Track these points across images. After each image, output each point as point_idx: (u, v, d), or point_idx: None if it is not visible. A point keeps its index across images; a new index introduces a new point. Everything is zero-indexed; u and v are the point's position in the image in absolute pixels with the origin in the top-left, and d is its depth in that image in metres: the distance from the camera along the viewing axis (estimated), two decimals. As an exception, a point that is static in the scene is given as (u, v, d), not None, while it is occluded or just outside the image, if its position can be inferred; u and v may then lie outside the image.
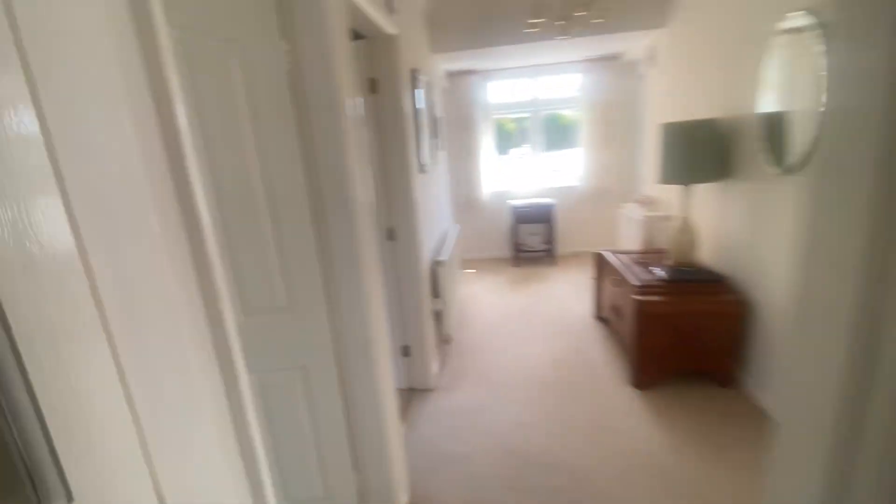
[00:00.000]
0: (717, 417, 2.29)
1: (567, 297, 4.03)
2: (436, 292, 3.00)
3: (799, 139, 1.91)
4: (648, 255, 3.12)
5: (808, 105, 1.85)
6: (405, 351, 2.65)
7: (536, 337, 3.29)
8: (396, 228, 2.49)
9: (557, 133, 5.47)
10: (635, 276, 2.71)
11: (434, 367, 2.78)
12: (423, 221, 2.75)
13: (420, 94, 2.93)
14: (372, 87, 2.28)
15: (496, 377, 2.79)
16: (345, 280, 1.51)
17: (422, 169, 2.79)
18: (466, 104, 4.89)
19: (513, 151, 5.58)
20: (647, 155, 4.00)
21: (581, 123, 4.91)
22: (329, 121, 1.36)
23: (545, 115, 5.21)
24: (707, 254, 2.83)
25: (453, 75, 4.84)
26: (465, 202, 5.21)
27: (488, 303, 4.03)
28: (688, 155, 2.52)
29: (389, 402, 1.76)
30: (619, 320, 2.89)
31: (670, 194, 3.44)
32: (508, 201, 5.11)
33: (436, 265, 2.95)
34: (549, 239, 4.96)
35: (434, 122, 3.53)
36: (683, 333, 2.46)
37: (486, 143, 5.08)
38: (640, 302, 2.44)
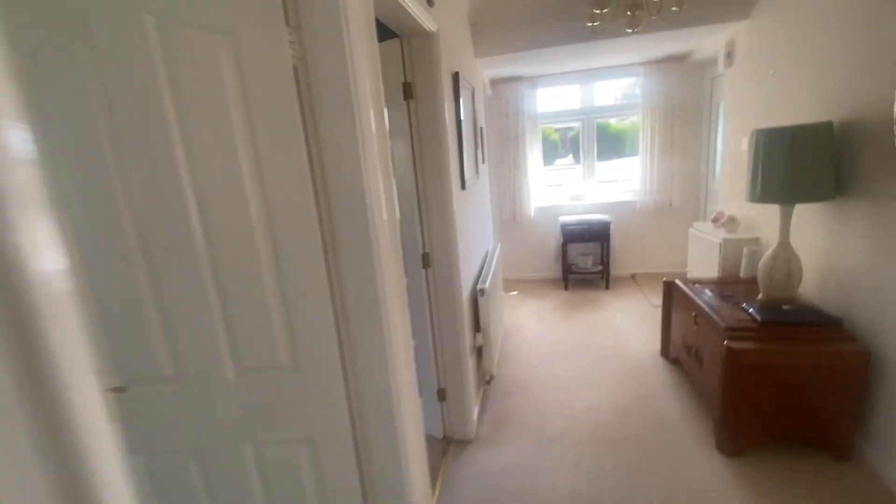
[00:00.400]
0: (830, 499, 1.77)
1: (627, 328, 3.54)
2: (477, 325, 2.64)
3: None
4: (732, 287, 2.61)
5: None
6: (441, 395, 2.31)
7: (593, 378, 2.84)
8: (432, 254, 2.17)
9: (608, 143, 5.00)
10: (721, 313, 2.23)
11: (474, 412, 2.41)
12: (463, 245, 2.41)
13: (463, 101, 2.62)
14: (407, 92, 1.98)
15: (546, 428, 2.38)
16: (363, 328, 1.19)
17: (463, 185, 2.46)
18: (512, 113, 4.54)
19: (562, 163, 5.15)
20: (724, 166, 3.47)
21: (640, 131, 4.42)
22: (344, 130, 1.06)
23: (598, 123, 4.76)
24: (812, 289, 2.30)
25: (497, 82, 4.51)
26: (511, 218, 4.84)
27: (535, 332, 3.61)
28: (791, 167, 2.04)
29: (419, 479, 1.42)
30: (699, 366, 2.41)
31: (756, 213, 2.91)
32: (558, 218, 4.68)
33: (477, 294, 2.59)
34: (603, 260, 4.48)
35: (477, 132, 3.21)
36: (786, 389, 1.96)
37: (534, 154, 4.70)
38: (733, 349, 1.97)
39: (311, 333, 1.13)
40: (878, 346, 1.85)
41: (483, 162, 3.64)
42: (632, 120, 4.76)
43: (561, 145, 5.35)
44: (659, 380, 2.74)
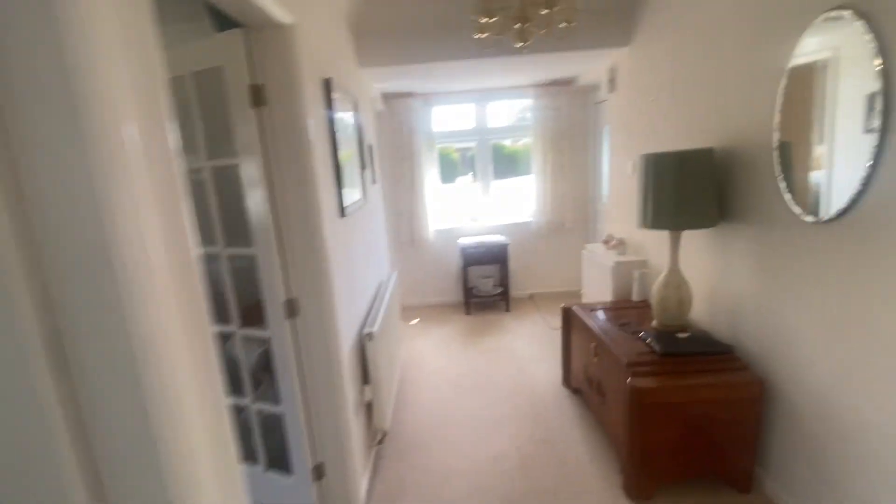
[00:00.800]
0: (744, 544, 1.69)
1: (528, 354, 3.40)
2: (366, 376, 2.25)
3: (843, 178, 1.42)
4: (627, 313, 2.57)
5: (856, 133, 1.36)
6: (318, 472, 1.86)
7: (497, 420, 2.59)
8: (301, 300, 1.74)
9: (506, 163, 4.99)
10: (620, 345, 2.12)
11: (362, 487, 2.00)
12: (345, 282, 2.02)
13: (341, 113, 2.25)
14: (257, 97, 1.56)
15: (447, 493, 2.05)
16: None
17: (343, 212, 2.08)
18: (406, 130, 4.27)
19: (459, 183, 5.01)
20: (612, 189, 3.54)
21: (532, 153, 4.44)
22: (63, 146, 0.63)
23: (493, 144, 4.71)
24: (703, 315, 2.31)
25: (390, 98, 4.22)
26: (409, 241, 4.53)
27: (436, 366, 3.30)
28: (679, 194, 2.01)
29: None
30: (602, 400, 2.28)
31: (643, 236, 2.95)
32: (458, 240, 4.48)
33: (365, 340, 2.20)
34: (503, 281, 4.37)
35: (365, 150, 2.85)
36: (690, 425, 1.88)
37: (431, 174, 4.47)
38: (637, 389, 1.84)
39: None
40: (769, 372, 1.84)
41: (374, 182, 3.29)
42: (525, 141, 4.79)
43: (461, 164, 5.23)
44: (563, 416, 2.58)
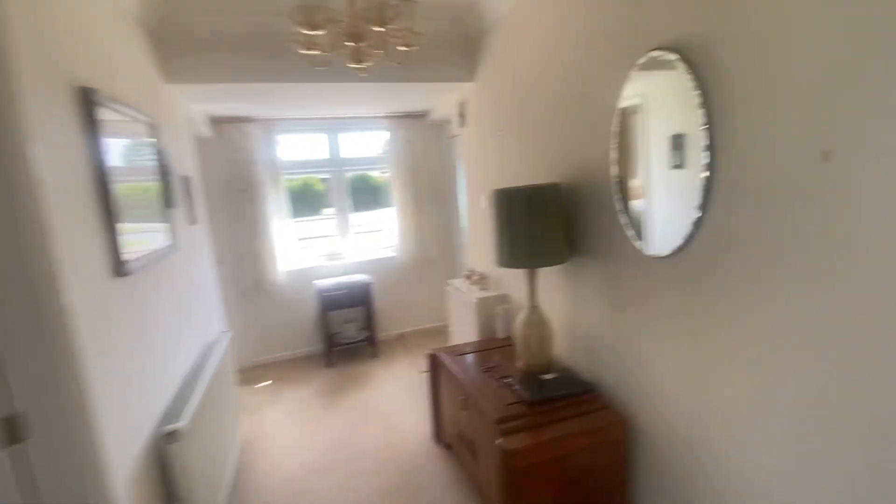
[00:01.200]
0: None
1: (397, 406, 3.06)
2: (171, 495, 1.65)
3: (676, 213, 1.42)
4: (494, 354, 2.42)
5: (663, 170, 1.38)
6: None
7: (361, 503, 2.18)
8: (30, 415, 1.14)
9: (371, 196, 4.70)
10: (488, 397, 1.92)
11: None
12: (120, 371, 1.44)
13: (123, 138, 1.70)
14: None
15: None
16: None
17: (121, 269, 1.51)
18: (243, 160, 3.69)
19: (325, 216, 4.54)
20: (470, 223, 3.48)
21: (392, 185, 4.23)
22: None
23: (354, 175, 4.39)
24: (566, 352, 2.25)
25: (221, 122, 3.62)
26: (254, 287, 3.87)
27: (287, 443, 2.74)
28: (531, 230, 1.92)
29: None
30: (475, 460, 2.04)
31: (505, 270, 2.89)
32: (314, 282, 3.98)
33: (163, 443, 1.61)
34: (369, 324, 3.99)
35: (172, 185, 2.27)
36: (564, 479, 1.73)
37: (277, 209, 3.93)
38: (508, 452, 1.63)
39: None
40: (630, 409, 1.80)
41: (193, 223, 2.67)
42: (381, 174, 4.56)
43: (318, 199, 4.77)
44: (437, 482, 2.28)
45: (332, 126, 4.14)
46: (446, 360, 2.38)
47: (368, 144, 4.50)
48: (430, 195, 4.33)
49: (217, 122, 3.62)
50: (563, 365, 2.22)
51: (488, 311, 2.77)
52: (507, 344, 2.55)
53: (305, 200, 4.57)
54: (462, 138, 3.44)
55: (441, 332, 4.37)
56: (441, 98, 3.47)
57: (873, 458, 0.98)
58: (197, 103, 3.01)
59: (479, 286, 2.97)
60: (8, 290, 1.09)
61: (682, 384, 1.51)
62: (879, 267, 0.92)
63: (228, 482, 2.20)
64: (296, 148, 4.24)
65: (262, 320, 3.99)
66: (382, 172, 4.64)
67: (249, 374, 3.81)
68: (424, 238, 4.34)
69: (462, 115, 3.26)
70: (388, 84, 2.83)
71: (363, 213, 4.65)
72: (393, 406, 3.08)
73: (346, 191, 4.28)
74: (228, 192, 3.73)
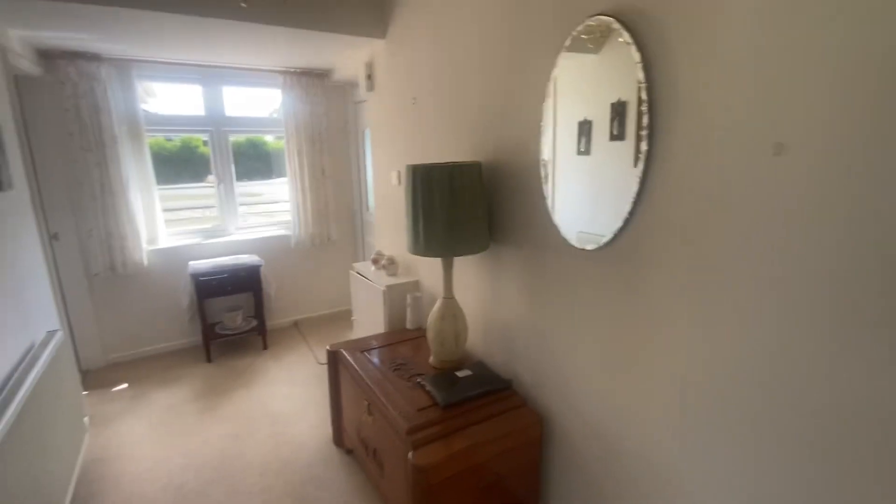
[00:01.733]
0: None
1: (291, 407, 2.70)
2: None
3: (609, 207, 1.30)
4: (403, 348, 2.19)
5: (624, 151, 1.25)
6: None
7: (242, 528, 1.84)
8: None
9: (259, 164, 4.09)
10: (397, 402, 1.70)
11: None
12: None
13: None
14: None
15: None
16: None
17: None
18: (88, 108, 2.90)
19: (192, 188, 3.84)
20: (378, 201, 3.16)
21: (286, 153, 3.71)
22: None
23: (241, 140, 3.75)
24: (479, 345, 2.11)
25: (54, 57, 2.79)
26: (109, 270, 3.14)
27: (151, 464, 2.25)
28: (452, 214, 1.70)
29: None
30: (380, 471, 1.82)
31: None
32: (189, 264, 3.36)
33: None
34: (258, 312, 3.50)
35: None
36: (481, 488, 1.59)
37: (139, 174, 3.21)
38: (422, 468, 1.43)
39: None
40: (547, 406, 1.71)
41: (7, 188, 1.99)
42: (274, 139, 4.00)
43: (195, 164, 4.02)
44: (337, 493, 2.02)
45: (212, 76, 3.46)
46: (349, 357, 2.10)
47: (259, 103, 3.88)
48: (331, 166, 3.89)
49: (47, 56, 2.78)
50: (478, 359, 2.07)
51: (397, 299, 2.53)
52: (417, 336, 2.34)
53: (186, 165, 3.83)
54: (370, 104, 3.07)
55: (343, 317, 4.03)
56: (345, 55, 3.05)
57: (782, 462, 0.95)
58: (13, 26, 2.23)
59: (387, 272, 2.70)
60: None
61: (600, 380, 1.44)
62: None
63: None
64: (165, 100, 3.49)
65: (121, 310, 3.28)
66: (277, 137, 4.07)
67: (104, 375, 3.12)
68: (325, 215, 3.91)
69: (370, 78, 2.89)
70: (278, 29, 2.36)
71: (253, 184, 4.05)
72: (285, 407, 2.72)
73: (229, 156, 3.66)
74: (67, 151, 2.93)
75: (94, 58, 2.89)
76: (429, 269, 2.48)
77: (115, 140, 3.02)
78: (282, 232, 3.88)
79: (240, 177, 3.77)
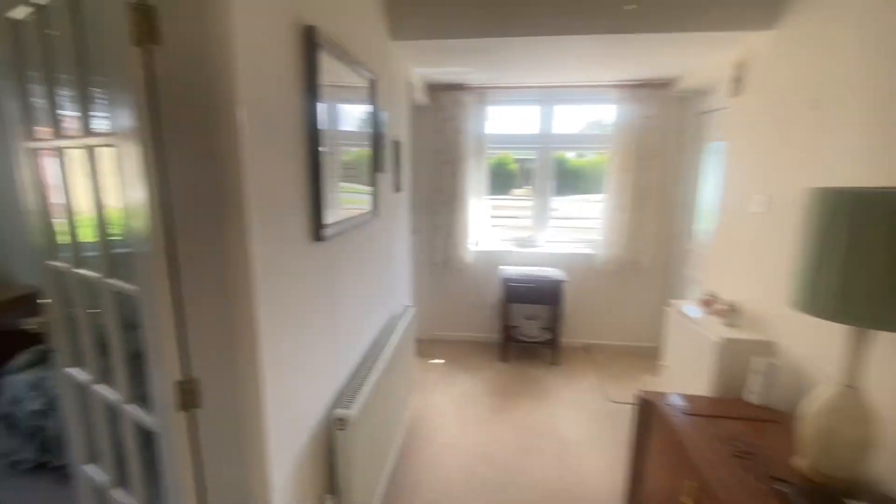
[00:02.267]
0: None
1: (578, 437, 2.52)
2: (331, 484, 1.51)
3: None
4: (742, 426, 1.65)
5: None
6: None
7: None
8: (204, 382, 1.04)
9: (566, 180, 4.11)
10: (737, 497, 1.24)
11: None
12: (303, 344, 1.30)
13: (341, 91, 1.56)
14: (142, 25, 0.87)
15: None
16: None
17: (320, 234, 1.36)
18: (453, 130, 3.54)
19: (513, 196, 4.20)
20: (721, 230, 2.59)
21: (608, 170, 3.55)
22: None
23: (556, 155, 3.87)
24: (892, 468, 1.36)
25: (437, 90, 3.52)
26: (441, 263, 3.78)
27: (450, 439, 2.51)
28: (890, 264, 1.10)
29: None
30: (699, 584, 1.39)
31: (770, 305, 2.00)
32: (500, 268, 3.68)
33: (334, 427, 1.47)
34: (553, 326, 3.50)
35: (382, 148, 2.14)
36: None
37: (478, 184, 3.71)
38: None
39: None
40: None
41: (398, 190, 2.58)
42: (595, 156, 3.90)
43: (520, 176, 4.44)
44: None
45: (548, 96, 3.65)
46: (669, 414, 1.73)
47: (582, 120, 3.88)
48: (657, 186, 3.49)
49: (433, 89, 3.53)
50: (881, 493, 1.33)
51: (736, 360, 1.96)
52: (766, 417, 1.73)
53: (497, 179, 4.27)
54: (730, 112, 2.54)
55: (643, 356, 3.59)
56: (706, 58, 2.61)
57: None
58: (420, 66, 2.90)
59: (723, 320, 2.14)
60: (203, 251, 0.97)
61: None
62: None
63: (388, 474, 2.06)
64: (503, 121, 3.92)
65: (445, 297, 3.89)
66: (579, 155, 3.99)
67: (425, 346, 3.78)
68: (639, 238, 3.55)
69: (737, 81, 2.36)
70: (637, 39, 2.18)
71: (562, 199, 4.10)
72: (573, 434, 2.56)
73: (551, 171, 3.78)
74: (433, 163, 3.65)
75: (462, 88, 3.48)
76: (807, 334, 1.80)
77: (465, 156, 3.57)
78: (587, 250, 3.76)
79: (554, 191, 3.86)
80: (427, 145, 3.63)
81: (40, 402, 2.14)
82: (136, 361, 1.10)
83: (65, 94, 1.10)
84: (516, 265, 3.69)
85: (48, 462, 2.18)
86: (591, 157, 4.02)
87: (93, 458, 1.41)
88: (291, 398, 1.23)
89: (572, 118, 3.85)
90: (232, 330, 1.00)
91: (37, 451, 2.19)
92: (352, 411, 1.47)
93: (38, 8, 1.08)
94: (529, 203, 3.90)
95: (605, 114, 3.74)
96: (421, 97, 3.38)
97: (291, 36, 1.19)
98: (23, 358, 2.31)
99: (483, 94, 3.58)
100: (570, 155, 4.01)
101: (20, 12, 1.13)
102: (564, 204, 4.08)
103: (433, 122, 3.58)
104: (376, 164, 2.01)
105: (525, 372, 3.36)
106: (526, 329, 3.55)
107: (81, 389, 1.33)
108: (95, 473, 1.40)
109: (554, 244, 3.87)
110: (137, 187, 0.91)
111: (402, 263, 2.74)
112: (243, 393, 1.04)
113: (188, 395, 1.02)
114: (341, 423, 1.45)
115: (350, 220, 1.67)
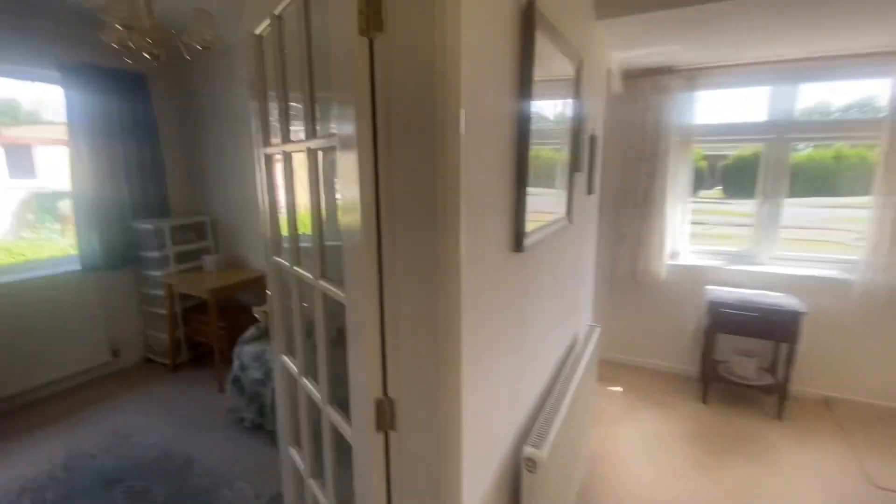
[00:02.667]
0: None
1: (829, 534, 1.85)
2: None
3: None
4: None
5: None
6: None
7: None
8: (400, 403, 0.94)
9: (805, 183, 3.17)
10: None
11: None
12: (498, 368, 1.13)
13: (546, 80, 1.35)
14: (368, 12, 0.79)
15: None
16: None
17: (520, 244, 1.18)
18: (651, 122, 3.04)
19: (707, 196, 3.48)
20: None
21: (878, 165, 2.59)
22: None
23: (791, 150, 2.99)
24: None
25: (633, 76, 3.06)
26: (629, 276, 3.30)
27: (639, 490, 2.10)
28: None
29: None
30: None
31: None
32: (705, 288, 3.02)
33: (523, 467, 1.27)
34: (780, 368, 2.71)
35: (582, 142, 1.87)
36: None
37: (679, 187, 3.12)
38: None
39: None
40: None
41: (591, 192, 2.28)
42: (847, 148, 2.90)
43: (709, 176, 3.74)
44: None
45: (784, 73, 2.84)
46: None
47: (839, 101, 2.93)
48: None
49: (629, 75, 3.08)
50: None
51: None
52: None
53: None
54: None
55: (924, 426, 2.54)
56: None
57: None
58: (618, 49, 2.53)
59: None
60: (413, 260, 0.86)
61: None
62: None
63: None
64: (717, 108, 3.22)
65: (629, 315, 3.40)
66: (853, 145, 2.99)
67: (602, 370, 3.36)
68: (932, 262, 2.50)
69: None
70: None
71: (801, 204, 3.18)
72: (818, 524, 1.89)
73: (786, 169, 2.95)
74: (624, 161, 3.21)
75: (667, 71, 2.95)
76: None
77: (666, 151, 3.02)
78: (836, 273, 2.83)
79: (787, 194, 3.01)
80: (618, 140, 3.21)
81: (261, 372, 2.49)
82: (340, 366, 1.08)
83: (295, 98, 1.13)
84: (727, 286, 2.99)
85: (264, 424, 2.53)
86: (845, 149, 3.03)
87: (296, 441, 1.50)
88: (483, 429, 1.08)
89: (818, 99, 2.94)
90: (434, 348, 0.88)
91: (256, 414, 2.56)
92: (542, 452, 1.26)
93: (274, 18, 1.14)
94: (750, 210, 3.12)
95: (875, 91, 2.74)
96: (616, 85, 2.98)
97: (511, 14, 1.02)
98: (251, 332, 2.74)
99: (692, 76, 2.98)
100: (804, 147, 3.08)
101: (260, 27, 1.22)
102: (799, 210, 3.17)
103: (628, 113, 3.14)
104: (575, 162, 1.75)
105: (735, 421, 2.67)
106: (739, 368, 2.83)
107: (291, 377, 1.42)
108: (296, 457, 1.48)
109: (783, 262, 3.02)
110: (351, 190, 0.85)
111: (588, 276, 2.43)
112: (440, 419, 0.91)
113: (385, 416, 0.94)
114: (531, 464, 1.25)
115: (546, 228, 1.46)
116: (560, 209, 1.68)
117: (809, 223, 3.19)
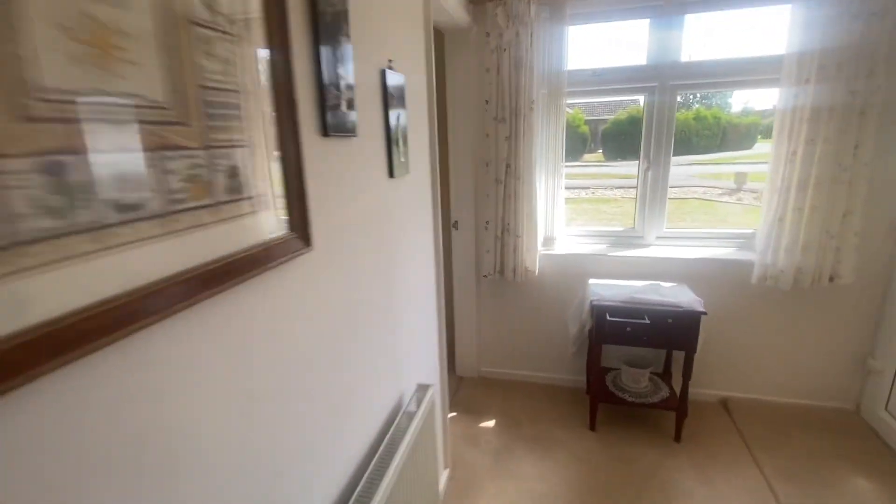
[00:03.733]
0: None
1: None
2: None
3: None
4: None
5: None
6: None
7: None
8: None
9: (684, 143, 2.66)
10: None
11: None
12: None
13: None
14: None
15: None
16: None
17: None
18: (512, 66, 2.22)
19: (591, 159, 2.87)
20: None
21: (779, 124, 2.06)
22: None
23: (678, 102, 2.40)
24: None
25: (483, 3, 2.20)
26: (497, 274, 2.54)
27: None
28: None
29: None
30: None
31: None
32: (588, 282, 2.38)
33: None
34: (674, 370, 2.18)
35: (386, 98, 0.94)
36: None
37: (552, 155, 2.39)
38: None
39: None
40: None
41: (406, 173, 1.39)
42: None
43: (591, 141, 3.26)
44: None
45: (670, 4, 2.18)
46: None
47: (732, 43, 2.38)
48: (873, 147, 1.97)
49: (476, 3, 2.22)
50: None
51: None
52: None
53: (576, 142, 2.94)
54: None
55: (819, 417, 2.19)
56: None
57: None
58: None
59: None
60: None
61: None
62: None
63: None
64: (589, 48, 2.54)
65: (502, 322, 2.69)
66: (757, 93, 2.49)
67: (473, 393, 2.63)
68: (834, 235, 2.06)
69: None
70: None
71: (684, 164, 2.67)
72: None
73: (671, 127, 2.36)
74: (481, 124, 2.38)
75: (528, -2, 2.13)
76: None
77: (532, 107, 2.25)
78: (733, 253, 2.34)
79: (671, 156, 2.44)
80: (474, 96, 2.37)
81: None
82: None
83: None
84: (612, 277, 2.38)
85: None
86: (736, 102, 2.52)
87: None
88: None
89: (710, 37, 2.37)
90: None
91: None
92: None
93: None
94: (633, 173, 2.51)
95: (774, 29, 2.21)
96: (456, 12, 2.07)
97: None
98: None
99: (560, 6, 2.20)
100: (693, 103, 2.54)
101: None
102: (683, 176, 2.66)
103: (477, 54, 2.30)
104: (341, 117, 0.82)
105: (627, 456, 2.09)
106: (628, 380, 2.25)
107: None
108: None
109: (673, 241, 2.48)
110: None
111: (421, 302, 1.56)
112: None
113: None
114: None
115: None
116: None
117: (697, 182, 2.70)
